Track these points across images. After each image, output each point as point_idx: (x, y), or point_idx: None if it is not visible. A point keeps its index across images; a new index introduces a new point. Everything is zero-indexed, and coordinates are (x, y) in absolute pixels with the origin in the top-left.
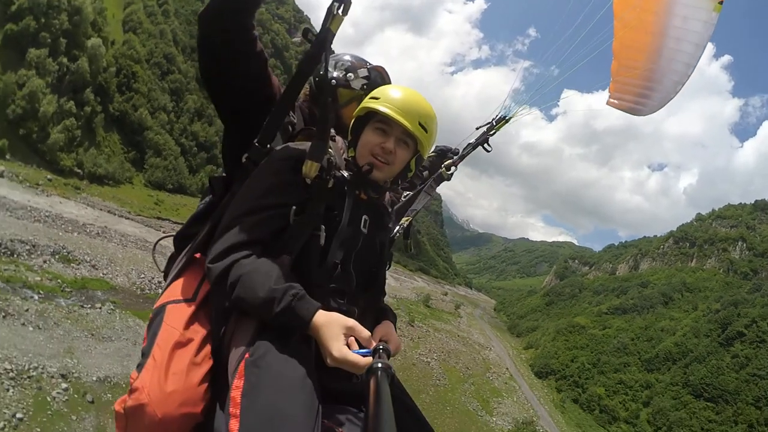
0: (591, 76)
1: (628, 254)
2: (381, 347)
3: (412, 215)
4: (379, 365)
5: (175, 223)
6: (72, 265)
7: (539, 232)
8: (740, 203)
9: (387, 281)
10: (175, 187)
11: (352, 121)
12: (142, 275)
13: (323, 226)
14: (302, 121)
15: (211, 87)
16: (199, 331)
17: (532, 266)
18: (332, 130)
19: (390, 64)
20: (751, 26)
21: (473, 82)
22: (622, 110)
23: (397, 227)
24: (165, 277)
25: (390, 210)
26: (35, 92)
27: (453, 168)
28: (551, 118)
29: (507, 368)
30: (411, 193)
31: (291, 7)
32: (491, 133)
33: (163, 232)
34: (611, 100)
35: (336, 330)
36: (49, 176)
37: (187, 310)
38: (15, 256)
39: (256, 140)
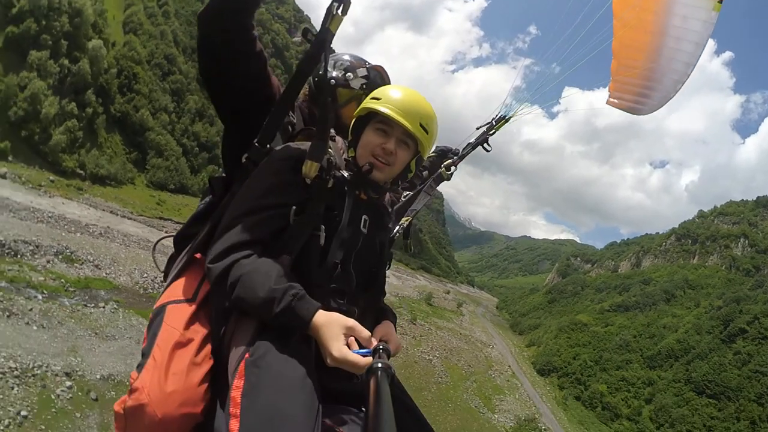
0: (592, 73)
1: (630, 251)
2: (381, 347)
3: (412, 215)
4: (379, 365)
5: (177, 223)
6: (75, 265)
7: (541, 230)
8: (742, 200)
9: (389, 280)
10: (176, 188)
11: (353, 121)
12: (145, 275)
13: (323, 226)
14: (302, 121)
15: (211, 87)
16: (199, 331)
17: (535, 264)
18: (332, 130)
19: (390, 62)
20: (753, 22)
21: (474, 80)
22: (622, 109)
23: (397, 227)
24: (165, 278)
25: (390, 210)
26: (37, 94)
27: (453, 168)
28: (552, 116)
29: (509, 366)
30: (411, 193)
31: (291, 6)
32: (491, 132)
33: (166, 232)
34: (611, 100)
35: (336, 330)
36: (51, 177)
37: (187, 311)
38: (19, 256)
39: (255, 140)
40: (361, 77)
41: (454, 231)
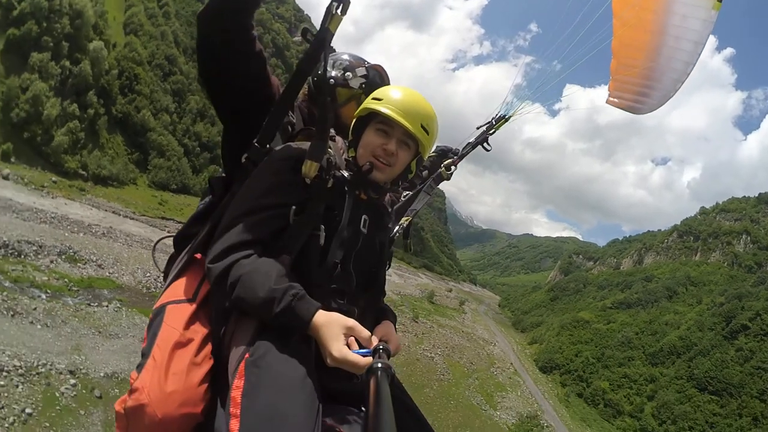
0: (593, 71)
1: (632, 249)
2: (381, 347)
3: (412, 215)
4: (379, 365)
5: (180, 222)
6: (78, 264)
7: (543, 227)
8: (744, 196)
9: (391, 278)
10: (178, 188)
11: (353, 121)
12: (148, 274)
13: (323, 226)
14: (301, 121)
15: (210, 87)
16: (199, 332)
17: (537, 262)
18: (332, 130)
19: (391, 61)
20: (754, 18)
21: (475, 78)
22: (621, 109)
23: (397, 227)
24: (165, 278)
25: (390, 210)
26: (39, 96)
27: (453, 168)
28: (554, 114)
29: (511, 363)
30: (411, 192)
31: (291, 6)
32: (491, 132)
33: (168, 232)
34: (611, 99)
35: (336, 330)
36: (53, 178)
37: (187, 311)
38: (22, 256)
39: (255, 140)
40: (360, 76)
41: (456, 229)
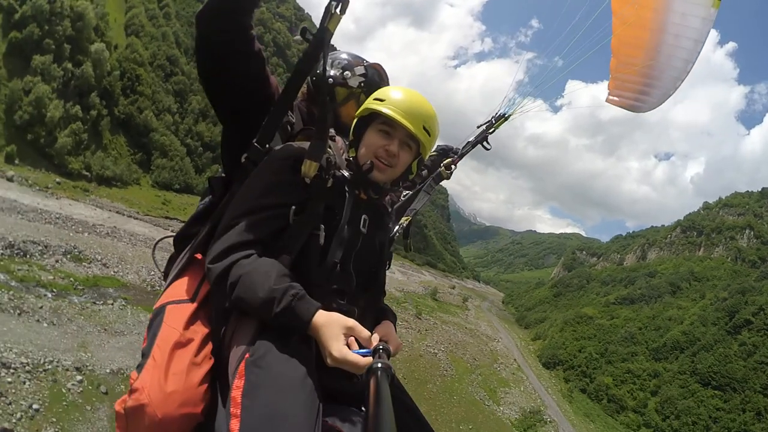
0: (595, 66)
1: (635, 244)
2: (381, 347)
3: (412, 215)
4: (379, 365)
5: (183, 222)
6: (83, 264)
7: (547, 224)
8: (747, 191)
9: (394, 275)
10: (182, 187)
11: (355, 120)
12: (152, 272)
13: (323, 226)
14: (300, 121)
15: (210, 87)
16: (199, 332)
17: (540, 258)
18: (332, 130)
19: (392, 59)
20: (756, 12)
21: (476, 75)
22: (621, 107)
23: (397, 227)
24: (165, 278)
25: (390, 210)
26: (41, 98)
27: (453, 167)
28: (556, 109)
29: (515, 359)
30: (411, 192)
31: (292, 5)
32: (491, 131)
33: (171, 231)
34: (611, 97)
35: (336, 330)
36: (57, 179)
37: (187, 311)
38: (28, 256)
39: (255, 140)
40: (359, 75)
41: (459, 226)
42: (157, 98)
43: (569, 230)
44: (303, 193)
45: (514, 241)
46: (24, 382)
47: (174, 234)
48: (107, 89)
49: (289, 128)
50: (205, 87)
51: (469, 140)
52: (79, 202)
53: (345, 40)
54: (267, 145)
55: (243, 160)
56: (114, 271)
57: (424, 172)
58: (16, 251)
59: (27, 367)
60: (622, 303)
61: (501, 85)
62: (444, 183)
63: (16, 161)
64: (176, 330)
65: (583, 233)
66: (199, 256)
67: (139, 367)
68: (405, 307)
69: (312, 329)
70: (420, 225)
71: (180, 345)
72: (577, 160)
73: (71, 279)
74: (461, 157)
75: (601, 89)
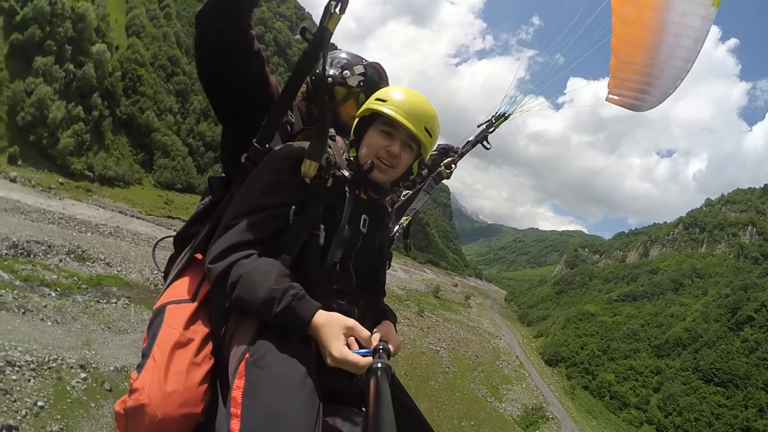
0: (597, 63)
1: (638, 241)
2: (381, 347)
3: (412, 214)
4: (379, 365)
5: (185, 221)
6: (87, 263)
7: (549, 221)
8: (749, 187)
9: (396, 273)
10: (184, 187)
11: (356, 120)
12: (155, 271)
13: (322, 226)
14: (300, 121)
15: (209, 87)
16: (199, 332)
17: (543, 256)
18: (332, 130)
19: (393, 57)
20: (758, 8)
21: (478, 72)
22: (621, 106)
23: (397, 226)
24: (165, 278)
25: (390, 209)
26: (43, 99)
27: (453, 166)
28: (558, 107)
29: (517, 356)
30: (411, 192)
31: (292, 4)
32: (490, 130)
33: (174, 231)
34: (611, 96)
35: (336, 330)
36: (60, 180)
37: (187, 311)
38: (32, 256)
39: (254, 140)
40: (358, 75)
41: (462, 224)
42: (158, 98)
43: (571, 228)
44: (303, 193)
45: (517, 238)
46: (29, 380)
47: (173, 234)
48: (109, 90)
49: (288, 128)
50: (205, 87)
51: (469, 139)
52: (81, 203)
53: (346, 39)
54: (267, 145)
55: (243, 160)
56: (117, 270)
57: (425, 172)
58: (20, 251)
59: (32, 365)
60: (624, 300)
61: (502, 82)
62: (446, 181)
63: (19, 162)
64: (176, 330)
65: (585, 231)
66: (199, 256)
67: (139, 367)
68: (407, 304)
69: (312, 329)
70: (422, 223)
71: (180, 345)
72: (578, 157)
73: (75, 278)
74: (461, 156)
75: (603, 87)
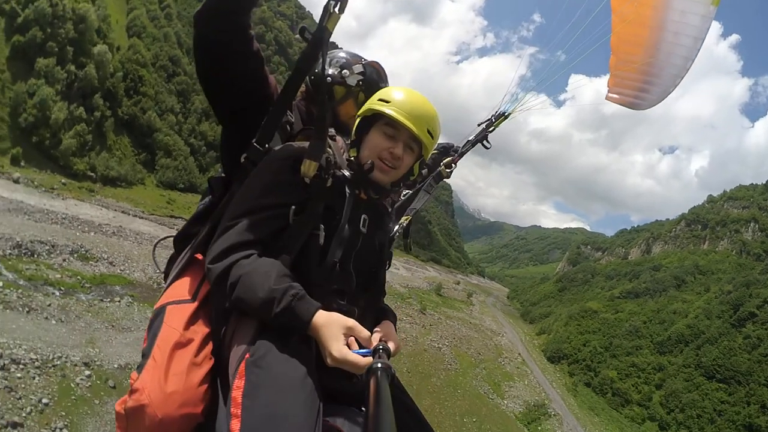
0: (599, 60)
1: (640, 238)
2: (381, 347)
3: (412, 214)
4: (379, 365)
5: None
6: (90, 262)
7: (551, 219)
8: (752, 184)
9: (399, 271)
10: (186, 186)
11: (357, 120)
12: (158, 270)
13: (322, 226)
14: (300, 120)
15: (208, 87)
16: (199, 332)
17: (545, 253)
18: (332, 130)
19: (395, 55)
20: (759, 4)
21: (479, 70)
22: (621, 105)
23: (397, 226)
24: (165, 278)
25: (390, 209)
26: (46, 100)
27: (453, 166)
28: (559, 104)
29: (519, 353)
30: (411, 191)
31: (293, 3)
32: (490, 130)
33: (177, 230)
34: (611, 95)
35: (336, 330)
36: (63, 180)
37: (187, 311)
38: (35, 256)
39: (254, 140)
40: (357, 74)
41: (464, 222)
42: (160, 99)
43: (574, 225)
44: (303, 193)
45: (519, 236)
46: (33, 378)
47: (173, 235)
48: (110, 90)
49: (288, 128)
50: (204, 87)
51: (469, 139)
52: (84, 203)
53: (347, 38)
54: (266, 145)
55: (242, 160)
56: (120, 269)
57: (424, 171)
58: (23, 251)
59: (36, 363)
60: (626, 297)
61: (504, 80)
62: (447, 179)
63: (22, 163)
64: (176, 330)
65: (587, 228)
66: (199, 256)
67: (140, 368)
68: (409, 302)
69: (312, 329)
70: (424, 221)
71: (180, 345)
72: (580, 154)
73: (78, 277)
74: (461, 156)
75: (604, 83)
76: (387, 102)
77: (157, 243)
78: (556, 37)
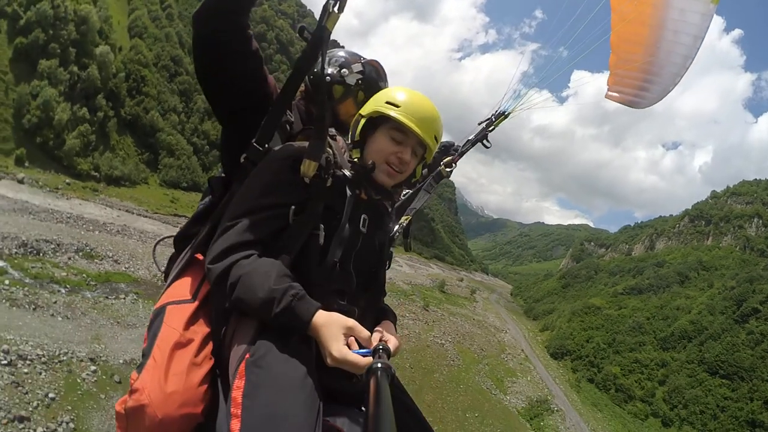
0: (601, 57)
1: (643, 234)
2: (381, 347)
3: (412, 214)
4: (379, 365)
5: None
6: (95, 260)
7: (554, 215)
8: (755, 179)
9: (402, 269)
10: (189, 185)
11: (363, 122)
12: (163, 268)
13: (322, 225)
14: (299, 120)
15: (207, 87)
16: (199, 332)
17: (549, 250)
18: (333, 130)
19: (397, 53)
20: None
21: (481, 67)
22: (621, 103)
23: (397, 226)
24: (165, 278)
25: (390, 209)
26: (49, 101)
27: (453, 165)
28: (562, 100)
29: (522, 350)
30: (410, 191)
31: (294, 1)
32: (490, 129)
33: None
34: (611, 93)
35: (336, 330)
36: (67, 180)
37: (187, 311)
38: (41, 254)
39: (254, 140)
40: (356, 73)
41: (467, 219)
42: (162, 98)
43: (577, 221)
44: (303, 193)
45: (522, 233)
46: (40, 373)
47: (173, 234)
48: (113, 91)
49: (288, 127)
50: (204, 87)
51: (469, 138)
52: (89, 202)
53: (348, 36)
54: (266, 145)
55: (242, 160)
56: (125, 267)
57: (425, 171)
58: (29, 250)
59: (43, 359)
60: (630, 293)
61: (506, 76)
62: (451, 176)
63: (26, 164)
64: (176, 330)
65: (591, 224)
66: (199, 256)
67: (140, 368)
68: (412, 299)
69: (312, 329)
70: (427, 218)
71: (180, 345)
72: (583, 150)
73: (84, 275)
74: (461, 155)
75: (606, 81)
76: (396, 106)
77: (157, 243)
78: (558, 34)
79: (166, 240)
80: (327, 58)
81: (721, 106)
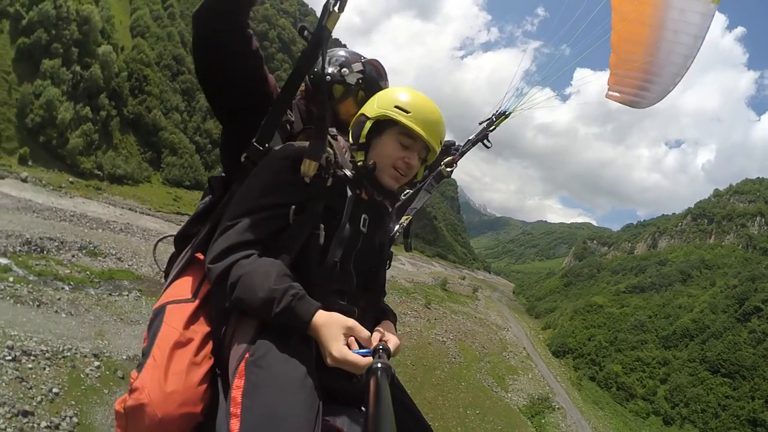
0: (604, 55)
1: (646, 233)
2: (381, 347)
3: (412, 214)
4: (379, 365)
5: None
6: (99, 258)
7: (557, 214)
8: (758, 177)
9: (404, 267)
10: (192, 184)
11: (368, 124)
12: (163, 267)
13: (322, 225)
14: (300, 120)
15: (208, 86)
16: (199, 331)
17: (551, 248)
18: (334, 129)
19: (398, 51)
20: None
21: (483, 65)
22: (622, 103)
23: (397, 226)
24: (165, 278)
25: (390, 209)
26: (52, 101)
27: (454, 165)
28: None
29: (524, 348)
30: (411, 191)
31: (295, 0)
32: (491, 129)
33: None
34: (611, 93)
35: (336, 330)
36: (70, 179)
37: (187, 310)
38: (45, 252)
39: (254, 140)
40: (356, 72)
41: (470, 218)
42: (164, 97)
43: (580, 220)
44: (303, 193)
45: (525, 231)
46: (44, 368)
47: (173, 234)
48: (116, 90)
49: (288, 127)
50: (204, 86)
51: (470, 138)
52: (92, 200)
53: (350, 34)
54: (266, 145)
55: (242, 159)
56: (128, 265)
57: (426, 171)
58: (33, 247)
59: (47, 355)
60: (632, 291)
61: (508, 75)
62: (453, 174)
63: (30, 163)
64: (176, 330)
65: (593, 223)
66: (199, 255)
67: (139, 367)
68: (414, 297)
69: (312, 329)
70: (430, 217)
71: (180, 345)
72: (586, 148)
73: (87, 272)
74: (462, 155)
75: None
76: (406, 112)
77: (158, 242)
78: (560, 32)
79: (167, 238)
80: (327, 58)
81: (724, 104)
